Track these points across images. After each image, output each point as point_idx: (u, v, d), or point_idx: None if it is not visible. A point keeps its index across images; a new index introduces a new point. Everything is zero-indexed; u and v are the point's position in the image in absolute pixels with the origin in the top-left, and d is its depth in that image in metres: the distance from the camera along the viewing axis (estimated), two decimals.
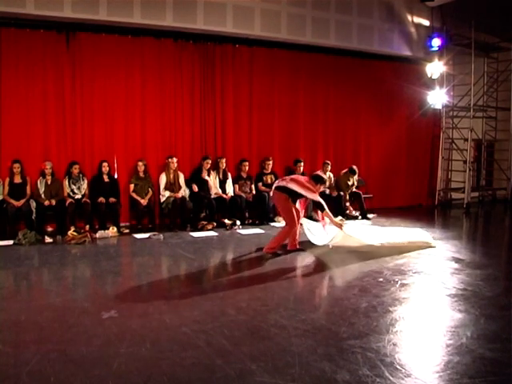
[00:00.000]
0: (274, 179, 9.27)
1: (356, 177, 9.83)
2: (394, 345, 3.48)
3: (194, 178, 8.64)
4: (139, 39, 8.60)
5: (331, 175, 9.84)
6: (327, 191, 9.48)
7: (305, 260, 6.17)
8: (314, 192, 6.37)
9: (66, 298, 4.68)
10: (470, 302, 4.43)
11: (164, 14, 8.25)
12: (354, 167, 9.70)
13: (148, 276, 5.58)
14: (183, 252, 6.60)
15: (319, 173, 6.93)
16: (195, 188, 8.46)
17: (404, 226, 8.45)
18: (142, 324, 3.90)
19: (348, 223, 7.05)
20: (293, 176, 6.82)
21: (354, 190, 9.82)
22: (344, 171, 9.82)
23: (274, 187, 6.64)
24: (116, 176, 8.45)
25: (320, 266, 5.89)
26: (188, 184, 8.60)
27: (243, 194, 8.92)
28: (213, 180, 8.79)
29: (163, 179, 8.45)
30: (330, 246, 6.58)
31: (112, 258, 6.40)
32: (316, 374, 3.05)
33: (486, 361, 3.22)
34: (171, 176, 8.47)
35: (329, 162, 9.83)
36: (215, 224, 8.25)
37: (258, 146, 9.73)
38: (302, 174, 9.37)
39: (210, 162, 8.68)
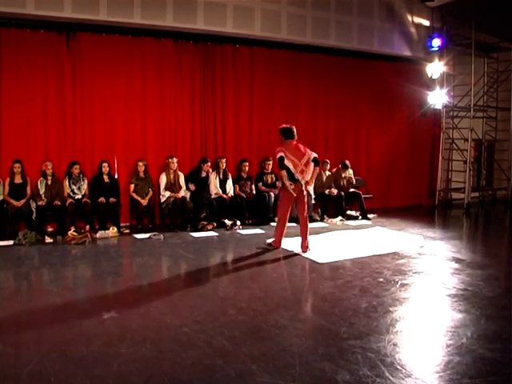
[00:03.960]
0: (274, 179, 9.28)
1: (350, 171, 9.85)
2: (395, 345, 3.48)
3: (192, 177, 8.64)
4: (139, 39, 8.60)
5: (329, 174, 9.84)
6: (326, 191, 9.48)
7: (305, 261, 6.17)
8: (279, 150, 6.48)
9: (67, 298, 4.69)
10: (471, 302, 4.43)
11: (164, 14, 8.25)
12: (346, 162, 9.80)
13: (148, 276, 5.58)
14: (183, 252, 6.60)
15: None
16: (192, 187, 8.49)
17: (400, 230, 8.49)
18: (142, 324, 3.90)
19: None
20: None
21: (353, 189, 9.81)
22: (336, 168, 9.91)
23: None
24: (116, 176, 8.44)
25: (320, 267, 5.88)
26: (186, 183, 8.61)
27: (243, 194, 8.92)
28: (213, 180, 8.79)
29: (163, 179, 8.45)
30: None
31: (112, 259, 6.40)
32: (316, 374, 3.05)
33: (487, 361, 3.22)
34: (171, 176, 8.47)
35: (328, 160, 9.84)
36: (215, 224, 8.25)
37: (258, 146, 9.72)
38: None
39: (210, 164, 8.68)
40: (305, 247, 6.62)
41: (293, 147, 6.58)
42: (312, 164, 6.59)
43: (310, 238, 6.72)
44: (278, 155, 6.48)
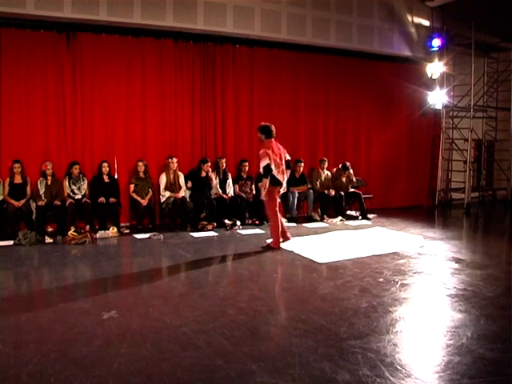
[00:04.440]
0: None
1: (351, 171, 9.79)
2: (394, 345, 3.47)
3: (192, 176, 8.64)
4: (139, 39, 8.60)
5: (329, 173, 9.84)
6: (326, 191, 9.47)
7: (305, 261, 6.17)
8: (265, 155, 6.47)
9: (66, 298, 4.68)
10: (471, 303, 4.43)
11: (164, 14, 8.26)
12: (347, 163, 9.72)
13: (148, 276, 5.58)
14: (183, 252, 6.60)
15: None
16: (189, 184, 8.50)
17: (400, 230, 8.49)
18: (142, 324, 3.90)
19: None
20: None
21: (353, 189, 9.79)
22: (336, 168, 9.85)
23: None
24: (116, 176, 8.44)
25: (320, 267, 5.88)
26: (186, 183, 8.61)
27: (243, 194, 8.91)
28: (213, 180, 8.79)
29: (163, 179, 8.44)
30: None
31: (112, 259, 6.40)
32: (316, 374, 3.05)
33: (487, 361, 3.22)
34: (171, 176, 8.47)
35: (325, 159, 9.83)
36: (215, 224, 8.24)
37: (258, 147, 9.69)
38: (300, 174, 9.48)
39: (209, 164, 8.68)
40: (285, 235, 6.80)
41: (274, 147, 6.62)
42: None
43: (305, 237, 6.74)
44: (265, 163, 6.45)
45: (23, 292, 5.14)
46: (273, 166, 6.48)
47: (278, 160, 6.54)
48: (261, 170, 6.58)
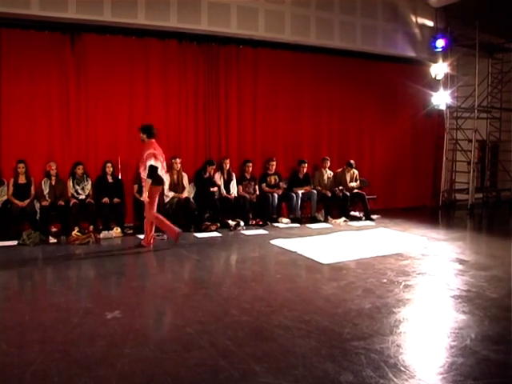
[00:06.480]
0: (277, 180, 9.29)
1: (355, 170, 9.81)
2: (398, 346, 3.47)
3: (197, 176, 8.66)
4: (143, 40, 8.62)
5: (331, 173, 9.83)
6: (328, 193, 9.45)
7: (308, 262, 6.16)
8: (151, 155, 6.52)
9: (70, 298, 4.69)
10: (474, 304, 4.42)
11: (168, 14, 8.28)
12: (351, 161, 9.76)
13: (152, 277, 5.60)
14: (187, 253, 6.60)
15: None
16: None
17: (403, 231, 8.48)
18: (145, 324, 3.91)
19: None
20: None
21: (356, 190, 9.77)
22: (342, 168, 9.86)
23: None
24: (120, 176, 8.45)
25: (323, 268, 5.88)
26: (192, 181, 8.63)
27: (247, 195, 8.91)
28: (217, 181, 8.78)
29: (167, 180, 8.44)
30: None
31: (116, 259, 6.41)
32: (319, 375, 3.05)
33: (490, 362, 3.21)
34: (175, 177, 8.47)
35: (328, 157, 9.82)
36: (219, 225, 8.25)
37: (261, 147, 9.73)
38: (299, 174, 9.48)
39: (214, 167, 8.70)
40: (148, 241, 6.89)
41: (157, 147, 6.70)
42: None
43: (309, 238, 6.71)
44: (150, 163, 6.50)
45: (27, 292, 5.17)
46: (159, 166, 6.57)
47: (163, 162, 6.69)
48: (142, 172, 6.62)
